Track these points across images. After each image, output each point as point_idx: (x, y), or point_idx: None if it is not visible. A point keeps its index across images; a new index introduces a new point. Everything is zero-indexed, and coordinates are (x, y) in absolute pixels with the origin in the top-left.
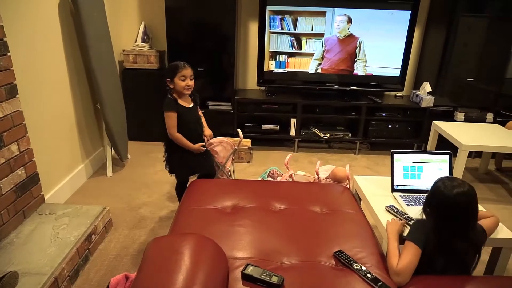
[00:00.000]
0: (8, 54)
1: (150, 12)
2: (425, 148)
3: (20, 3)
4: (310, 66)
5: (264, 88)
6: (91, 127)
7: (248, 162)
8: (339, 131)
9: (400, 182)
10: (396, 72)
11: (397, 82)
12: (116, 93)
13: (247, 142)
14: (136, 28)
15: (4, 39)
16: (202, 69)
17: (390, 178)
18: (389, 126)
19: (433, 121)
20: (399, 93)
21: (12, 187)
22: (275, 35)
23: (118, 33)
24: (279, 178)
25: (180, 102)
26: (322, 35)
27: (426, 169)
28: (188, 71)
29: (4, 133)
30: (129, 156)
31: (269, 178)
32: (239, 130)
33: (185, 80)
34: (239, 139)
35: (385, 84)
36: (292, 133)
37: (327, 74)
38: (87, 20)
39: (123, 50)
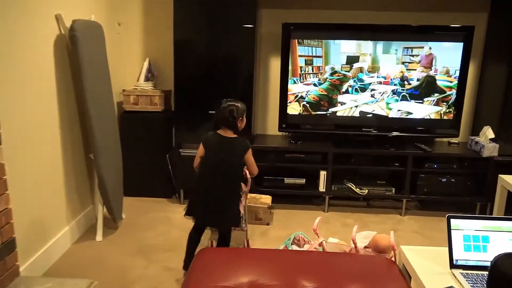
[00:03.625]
0: None
1: (156, 47)
2: (492, 209)
3: (12, 37)
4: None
5: (287, 134)
6: (80, 182)
7: (268, 224)
8: (379, 186)
9: (460, 255)
10: (449, 115)
11: (450, 127)
12: (113, 141)
13: (267, 199)
14: (139, 65)
15: None
16: (214, 112)
17: (447, 249)
18: (442, 180)
19: (500, 175)
20: (454, 140)
21: None
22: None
23: (119, 71)
24: (306, 247)
25: None
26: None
27: (493, 240)
28: None
29: None
30: (123, 216)
31: (294, 246)
32: (245, 169)
33: None
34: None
35: (436, 129)
36: (322, 188)
37: (363, 117)
38: (85, 58)
39: (123, 90)
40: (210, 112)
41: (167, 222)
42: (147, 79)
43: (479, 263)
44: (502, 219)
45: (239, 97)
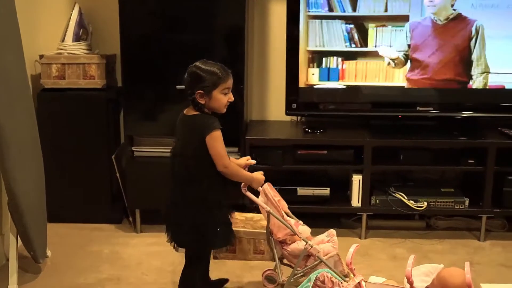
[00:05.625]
0: None
1: None
2: None
3: None
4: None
5: (299, 118)
6: None
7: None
8: (445, 197)
9: None
10: None
11: None
12: (28, 135)
13: None
14: (64, 16)
15: None
16: (184, 87)
17: None
18: None
19: None
20: None
21: None
22: (317, 21)
23: (33, 26)
24: None
25: None
26: (405, 18)
27: None
28: (231, 81)
29: None
30: (49, 253)
31: None
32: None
33: (227, 93)
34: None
35: None
36: (356, 202)
37: (417, 90)
38: None
39: (41, 56)
40: (178, 87)
41: (116, 260)
42: (77, 38)
43: None
44: None
45: (224, 64)
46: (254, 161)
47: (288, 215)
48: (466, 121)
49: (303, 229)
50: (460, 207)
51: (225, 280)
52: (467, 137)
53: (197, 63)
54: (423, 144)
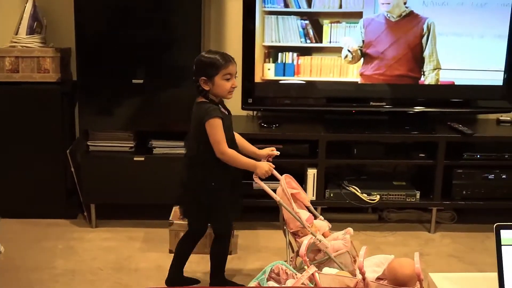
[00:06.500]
0: None
1: None
2: None
3: None
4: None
5: (255, 113)
6: None
7: (230, 254)
8: (397, 190)
9: None
10: (498, 79)
11: (499, 97)
12: None
13: None
14: (17, 9)
15: None
16: (141, 81)
17: (496, 275)
18: (489, 177)
19: None
20: (505, 116)
21: None
22: (273, 17)
23: None
24: (290, 282)
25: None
26: (359, 15)
27: None
28: (234, 68)
29: None
30: (2, 249)
31: (271, 283)
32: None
33: (230, 79)
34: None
35: (478, 100)
36: (311, 195)
37: (371, 86)
38: None
39: None
40: (134, 81)
41: (71, 256)
42: (31, 31)
43: None
44: None
45: (177, 60)
46: (277, 152)
47: (308, 209)
48: (418, 116)
49: (320, 224)
50: (412, 199)
51: (196, 281)
52: (418, 131)
53: (203, 52)
54: (376, 138)
